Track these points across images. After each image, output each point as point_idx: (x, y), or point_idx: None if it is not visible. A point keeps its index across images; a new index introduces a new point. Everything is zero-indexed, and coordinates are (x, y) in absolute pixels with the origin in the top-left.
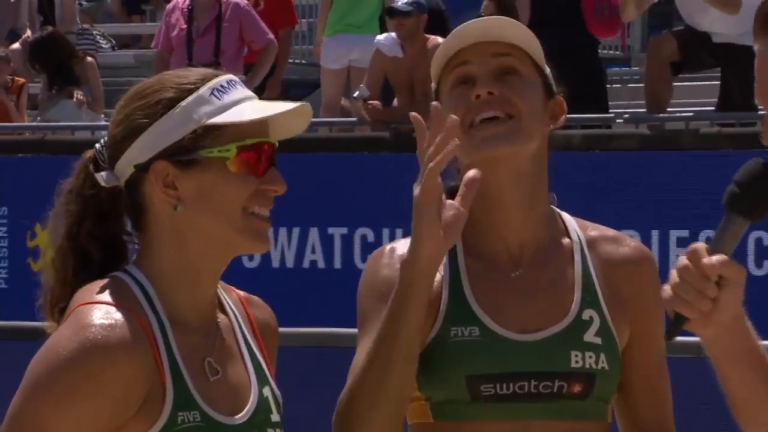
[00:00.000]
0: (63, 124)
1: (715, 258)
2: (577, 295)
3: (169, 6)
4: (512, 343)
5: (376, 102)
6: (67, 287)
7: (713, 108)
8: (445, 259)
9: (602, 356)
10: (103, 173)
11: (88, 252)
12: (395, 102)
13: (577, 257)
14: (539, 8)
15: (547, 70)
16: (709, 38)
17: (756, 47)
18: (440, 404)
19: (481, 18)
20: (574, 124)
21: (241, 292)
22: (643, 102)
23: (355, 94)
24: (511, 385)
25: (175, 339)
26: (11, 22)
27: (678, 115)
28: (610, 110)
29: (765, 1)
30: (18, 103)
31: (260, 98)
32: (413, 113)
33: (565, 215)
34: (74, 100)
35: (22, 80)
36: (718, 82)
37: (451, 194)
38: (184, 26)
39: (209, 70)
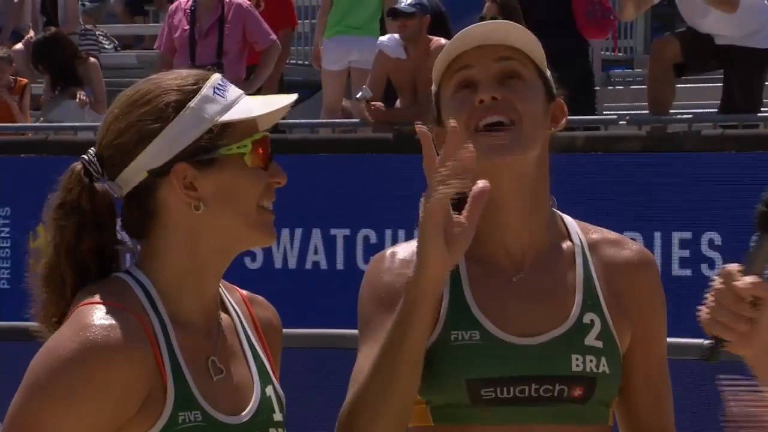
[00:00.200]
0: (66, 125)
1: (749, 279)
2: (578, 299)
3: (172, 7)
4: (513, 347)
5: (379, 103)
6: (63, 301)
7: (716, 110)
8: None
9: (603, 360)
10: (107, 184)
11: (87, 265)
12: (398, 103)
13: (579, 260)
14: (530, 11)
15: (548, 73)
16: (711, 40)
17: None
18: (441, 408)
19: (484, 22)
20: (576, 126)
21: (244, 292)
22: (646, 104)
23: (358, 95)
24: (512, 388)
25: (177, 339)
26: (14, 22)
27: (681, 117)
28: (613, 112)
29: None
30: (21, 104)
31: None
32: (419, 125)
33: (567, 218)
34: (77, 100)
35: (25, 81)
36: (721, 84)
37: (458, 200)
38: (187, 27)
39: (199, 70)
